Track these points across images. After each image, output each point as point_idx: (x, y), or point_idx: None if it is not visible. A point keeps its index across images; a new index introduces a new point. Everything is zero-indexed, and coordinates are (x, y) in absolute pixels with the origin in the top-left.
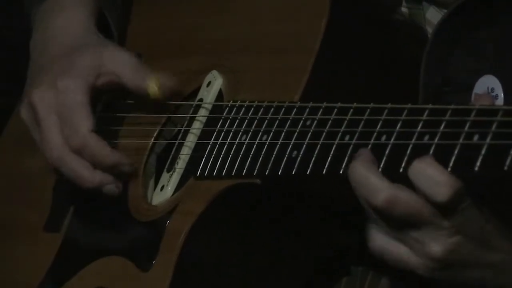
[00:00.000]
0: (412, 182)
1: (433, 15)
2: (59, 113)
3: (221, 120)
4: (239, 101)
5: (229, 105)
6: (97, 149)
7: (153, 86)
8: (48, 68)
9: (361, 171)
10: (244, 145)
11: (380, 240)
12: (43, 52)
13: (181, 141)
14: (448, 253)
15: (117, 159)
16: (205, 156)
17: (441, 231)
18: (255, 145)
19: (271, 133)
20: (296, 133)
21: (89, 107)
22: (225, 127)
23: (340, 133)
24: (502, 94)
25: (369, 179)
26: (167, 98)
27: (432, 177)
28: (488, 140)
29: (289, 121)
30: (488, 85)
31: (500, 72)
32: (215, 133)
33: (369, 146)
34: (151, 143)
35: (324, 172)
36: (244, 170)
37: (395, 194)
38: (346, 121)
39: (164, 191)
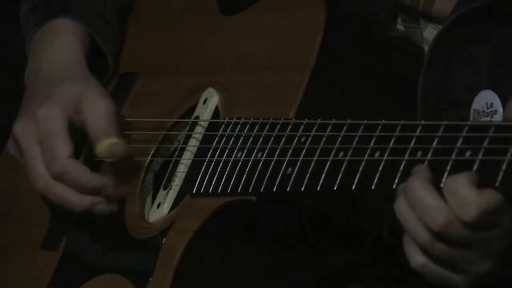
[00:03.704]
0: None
1: (431, 34)
2: (40, 143)
3: (217, 137)
4: (234, 118)
5: (225, 122)
6: (77, 174)
7: (100, 147)
8: (32, 98)
9: (419, 191)
10: (240, 162)
11: (421, 259)
12: (35, 81)
13: (177, 158)
14: (493, 269)
15: (99, 183)
16: (201, 173)
17: (485, 248)
18: (250, 162)
19: (266, 150)
20: (290, 150)
21: (67, 134)
22: (221, 144)
23: (334, 150)
24: (501, 109)
25: (425, 200)
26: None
27: (463, 197)
28: (480, 156)
29: (284, 138)
30: (486, 101)
31: (498, 87)
32: (211, 150)
33: (363, 162)
34: (147, 161)
35: (318, 188)
36: (240, 187)
37: (453, 218)
38: (340, 138)
39: (160, 209)
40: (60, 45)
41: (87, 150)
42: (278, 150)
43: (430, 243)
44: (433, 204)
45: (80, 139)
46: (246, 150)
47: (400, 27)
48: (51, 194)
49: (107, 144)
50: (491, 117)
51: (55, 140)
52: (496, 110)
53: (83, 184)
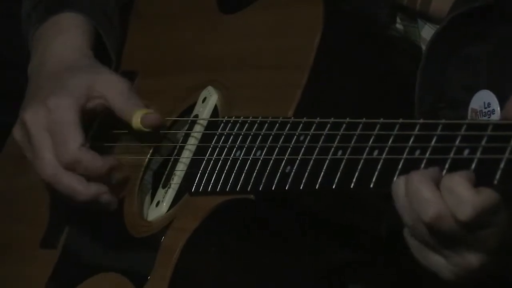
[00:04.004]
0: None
1: (428, 33)
2: (51, 131)
3: (216, 136)
4: (233, 117)
5: (224, 120)
6: (89, 161)
7: (137, 120)
8: (40, 89)
9: (416, 183)
10: (238, 161)
11: (415, 245)
12: (39, 75)
13: (176, 157)
14: (484, 265)
15: (110, 164)
16: (199, 172)
17: (477, 245)
18: (249, 161)
19: (265, 149)
20: (289, 149)
21: (80, 125)
22: (220, 143)
23: (333, 148)
24: (499, 109)
25: (420, 192)
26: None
27: (459, 196)
28: (478, 154)
29: (283, 136)
30: (484, 100)
31: (496, 87)
32: (210, 149)
33: (361, 161)
34: (146, 160)
35: (317, 187)
36: (238, 186)
37: (443, 212)
38: (338, 136)
39: (159, 207)
40: (65, 40)
41: (92, 134)
42: (277, 148)
43: (417, 227)
44: (426, 196)
45: (87, 126)
46: (245, 148)
47: (399, 26)
48: (58, 183)
49: (141, 115)
50: (489, 117)
51: (66, 131)
52: (493, 110)
53: (96, 170)
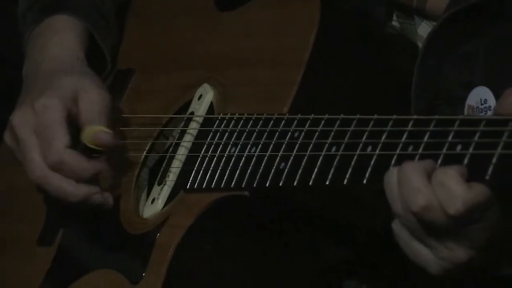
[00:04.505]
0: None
1: (425, 31)
2: (37, 133)
3: (211, 133)
4: (229, 114)
5: (219, 118)
6: (74, 163)
7: (84, 135)
8: (35, 89)
9: (409, 173)
10: (233, 158)
11: (404, 237)
12: (35, 73)
13: (172, 154)
14: (472, 259)
15: (95, 169)
16: (195, 169)
17: (466, 239)
18: (243, 158)
19: (260, 145)
20: (284, 145)
21: (65, 125)
22: (215, 140)
23: (327, 145)
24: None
25: (411, 182)
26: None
27: (450, 190)
28: (470, 150)
29: (277, 133)
30: (480, 97)
31: (493, 83)
32: (205, 146)
33: (355, 157)
34: (143, 157)
35: (310, 183)
36: (233, 183)
37: (432, 204)
38: (333, 133)
39: (154, 204)
40: (59, 42)
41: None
42: (272, 145)
43: (406, 216)
44: (417, 186)
45: (77, 130)
46: (239, 145)
47: (395, 23)
48: (47, 184)
49: (93, 130)
50: (485, 113)
51: (52, 131)
52: (490, 106)
53: (81, 173)
